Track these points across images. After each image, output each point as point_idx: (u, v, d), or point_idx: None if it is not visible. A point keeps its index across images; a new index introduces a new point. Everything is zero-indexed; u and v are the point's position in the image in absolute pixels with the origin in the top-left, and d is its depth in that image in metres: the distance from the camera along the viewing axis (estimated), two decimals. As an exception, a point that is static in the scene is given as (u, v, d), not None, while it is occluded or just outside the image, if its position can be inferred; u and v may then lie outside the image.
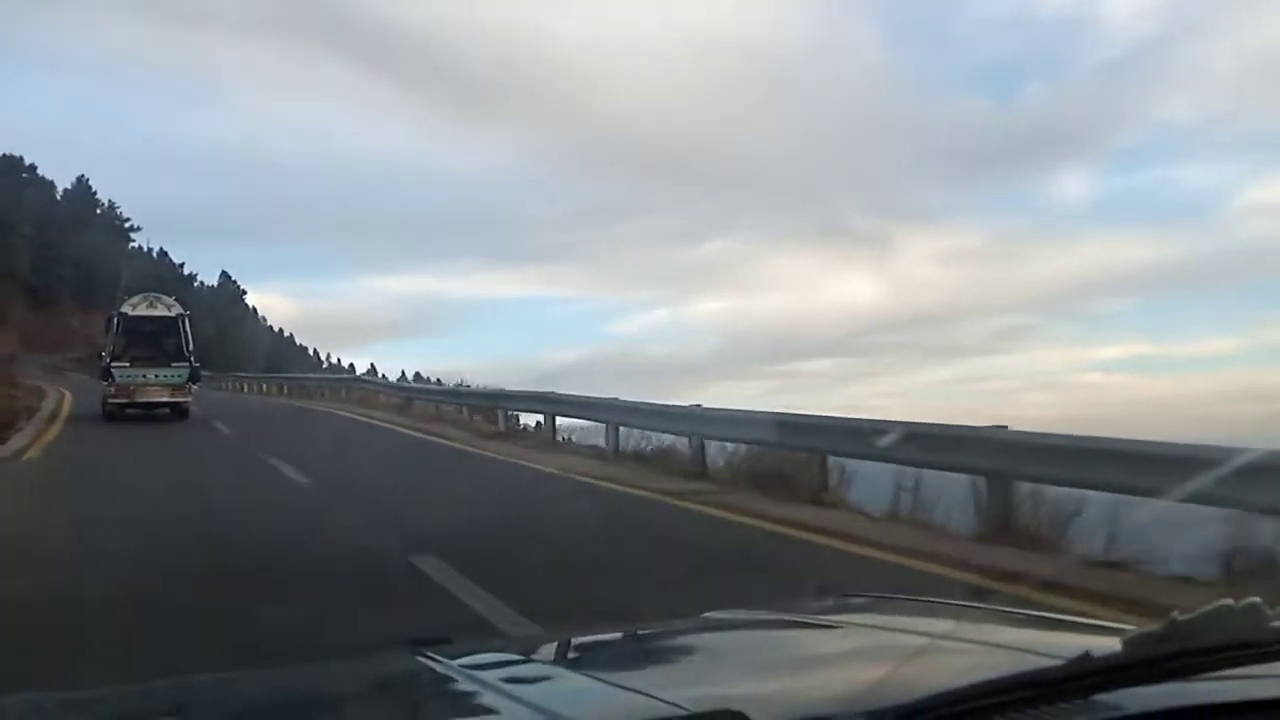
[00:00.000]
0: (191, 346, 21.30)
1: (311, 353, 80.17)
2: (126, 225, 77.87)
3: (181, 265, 79.29)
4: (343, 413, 24.42)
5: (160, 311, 21.75)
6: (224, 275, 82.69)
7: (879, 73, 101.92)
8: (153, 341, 21.09)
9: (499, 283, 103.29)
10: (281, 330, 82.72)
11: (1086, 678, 0.99)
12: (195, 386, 21.47)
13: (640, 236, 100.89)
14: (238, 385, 41.13)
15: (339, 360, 77.09)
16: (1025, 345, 74.67)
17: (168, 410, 20.50)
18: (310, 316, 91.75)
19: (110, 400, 20.42)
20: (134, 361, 20.66)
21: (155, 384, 20.53)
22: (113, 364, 20.50)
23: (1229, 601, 1.04)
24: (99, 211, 76.39)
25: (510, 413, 18.02)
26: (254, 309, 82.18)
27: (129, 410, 20.18)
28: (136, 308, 21.74)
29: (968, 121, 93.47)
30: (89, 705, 1.42)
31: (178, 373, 20.82)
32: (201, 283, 78.59)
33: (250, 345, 69.41)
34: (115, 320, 21.54)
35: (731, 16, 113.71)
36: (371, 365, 73.82)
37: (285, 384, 36.67)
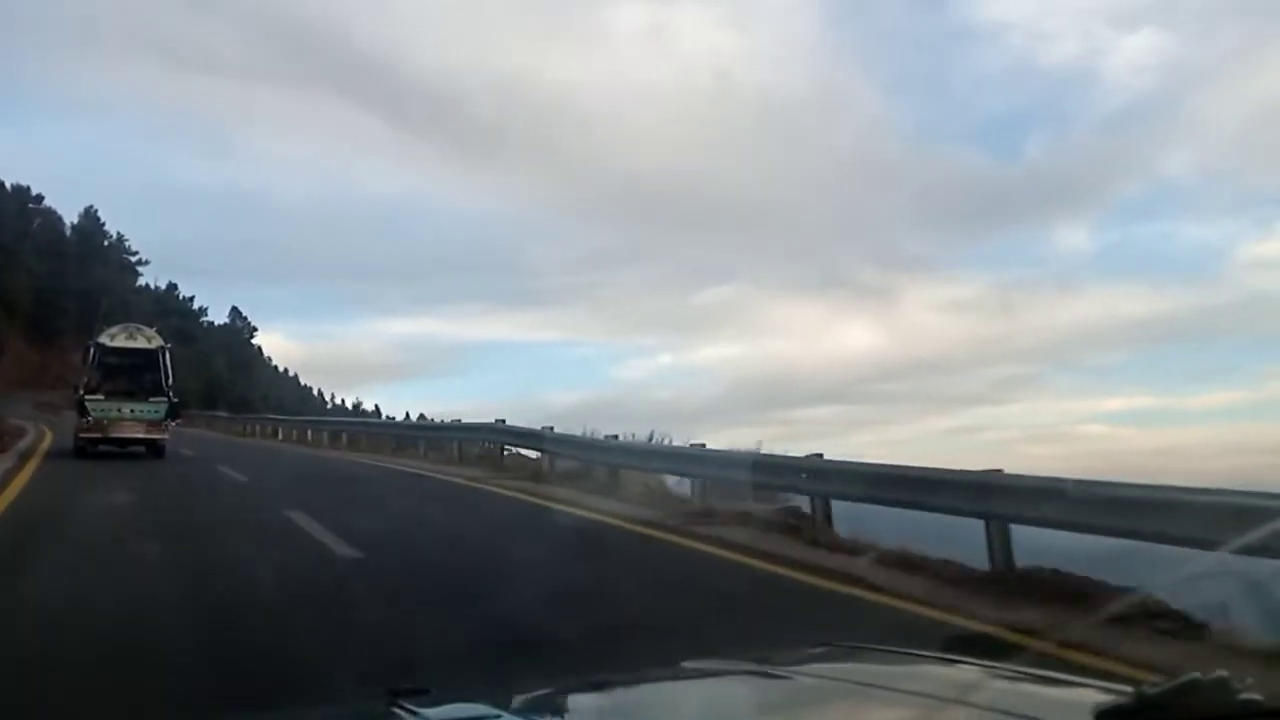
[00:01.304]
0: (171, 381, 20.03)
1: (316, 393, 79.73)
2: (135, 260, 76.73)
3: (191, 299, 78.69)
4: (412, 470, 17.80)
5: (140, 343, 20.44)
6: (234, 312, 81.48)
7: (881, 124, 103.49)
8: (130, 375, 19.96)
9: (502, 325, 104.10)
10: (286, 370, 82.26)
11: None
12: (173, 423, 20.28)
13: (643, 282, 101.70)
14: (260, 428, 36.43)
15: (343, 401, 76.93)
16: (1026, 395, 74.83)
17: (142, 448, 19.19)
18: (314, 357, 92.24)
19: (81, 435, 18.99)
20: (109, 395, 19.41)
21: (131, 419, 19.20)
22: (87, 397, 19.17)
23: (1197, 675, 1.05)
24: (106, 244, 75.46)
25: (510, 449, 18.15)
26: (259, 348, 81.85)
27: (101, 446, 18.80)
28: (115, 338, 20.40)
29: (969, 173, 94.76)
30: None
31: (155, 408, 19.50)
32: (211, 321, 78.12)
33: (262, 385, 68.87)
34: (92, 351, 20.35)
35: (736, 66, 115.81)
36: (376, 407, 73.93)
37: (312, 429, 31.55)
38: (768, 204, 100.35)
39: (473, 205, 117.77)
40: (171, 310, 71.36)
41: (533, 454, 16.58)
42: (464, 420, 20.05)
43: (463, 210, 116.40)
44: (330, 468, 18.92)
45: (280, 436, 32.78)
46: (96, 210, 75.37)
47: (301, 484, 14.68)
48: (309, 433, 30.45)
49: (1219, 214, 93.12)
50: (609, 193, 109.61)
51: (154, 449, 19.29)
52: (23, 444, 20.10)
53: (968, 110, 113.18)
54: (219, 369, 66.60)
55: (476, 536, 9.83)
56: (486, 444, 18.38)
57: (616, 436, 13.94)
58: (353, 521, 9.46)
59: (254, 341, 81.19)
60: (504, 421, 17.68)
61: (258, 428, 36.46)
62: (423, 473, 16.86)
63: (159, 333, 21.22)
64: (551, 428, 15.63)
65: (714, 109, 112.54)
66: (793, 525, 9.28)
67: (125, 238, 77.25)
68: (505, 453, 17.64)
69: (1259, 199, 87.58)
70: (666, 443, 13.82)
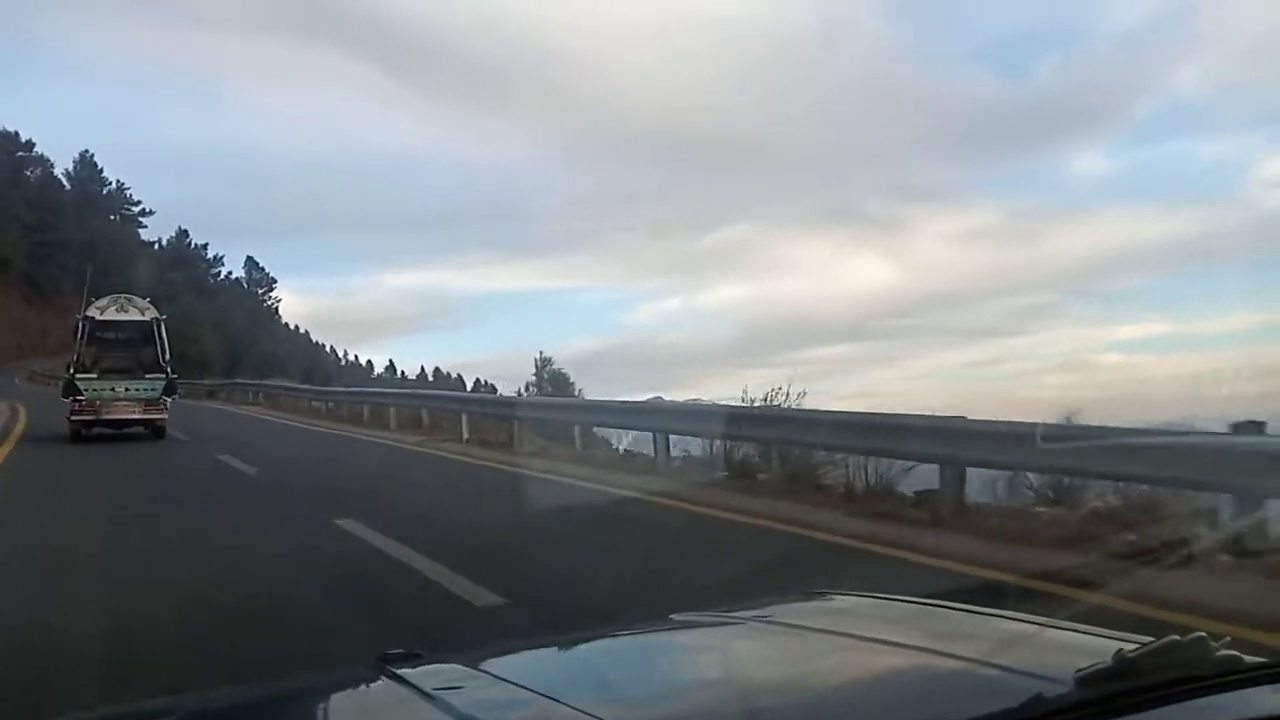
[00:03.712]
0: (168, 355, 18.80)
1: (329, 350, 75.43)
2: (138, 210, 70.08)
3: (205, 246, 71.97)
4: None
5: (133, 315, 19.09)
6: (250, 263, 74.68)
7: (887, 52, 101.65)
8: (124, 349, 18.98)
9: (510, 275, 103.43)
10: (297, 327, 77.59)
11: None
12: (172, 400, 18.89)
13: (650, 225, 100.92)
14: (252, 396, 32.81)
15: (356, 357, 74.77)
16: (1043, 325, 74.34)
17: (141, 429, 18.13)
18: (323, 313, 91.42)
19: (74, 417, 17.63)
20: (102, 373, 18.29)
21: (126, 399, 18.06)
22: (78, 376, 17.98)
23: (1175, 637, 1.06)
24: (105, 193, 68.76)
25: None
26: (277, 304, 77.02)
27: (96, 429, 17.68)
28: (105, 311, 18.99)
29: (979, 99, 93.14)
30: None
31: (152, 385, 18.28)
32: (228, 272, 72.97)
33: (282, 344, 63.60)
34: (81, 326, 18.92)
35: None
36: (390, 362, 72.67)
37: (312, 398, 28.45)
38: (774, 140, 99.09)
39: (475, 154, 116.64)
40: (184, 261, 67.32)
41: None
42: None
43: (465, 159, 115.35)
44: (340, 449, 16.99)
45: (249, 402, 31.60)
46: (93, 155, 68.49)
47: (331, 478, 12.38)
48: (309, 402, 28.15)
49: (1234, 131, 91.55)
50: (612, 135, 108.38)
51: (153, 429, 18.23)
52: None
53: (976, 33, 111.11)
54: (239, 327, 62.43)
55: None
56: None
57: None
58: (423, 529, 7.51)
59: (274, 294, 76.21)
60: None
61: (257, 395, 32.86)
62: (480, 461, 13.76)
63: (153, 303, 20.03)
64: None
65: (715, 45, 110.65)
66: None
67: (126, 186, 70.69)
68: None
69: (1275, 115, 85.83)
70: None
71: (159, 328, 19.00)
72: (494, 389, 29.23)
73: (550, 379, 34.55)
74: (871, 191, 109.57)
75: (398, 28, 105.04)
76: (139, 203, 70.74)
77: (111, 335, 19.06)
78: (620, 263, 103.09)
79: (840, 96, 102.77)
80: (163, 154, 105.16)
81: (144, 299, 19.99)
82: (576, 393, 30.12)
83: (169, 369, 18.67)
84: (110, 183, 70.18)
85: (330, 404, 25.93)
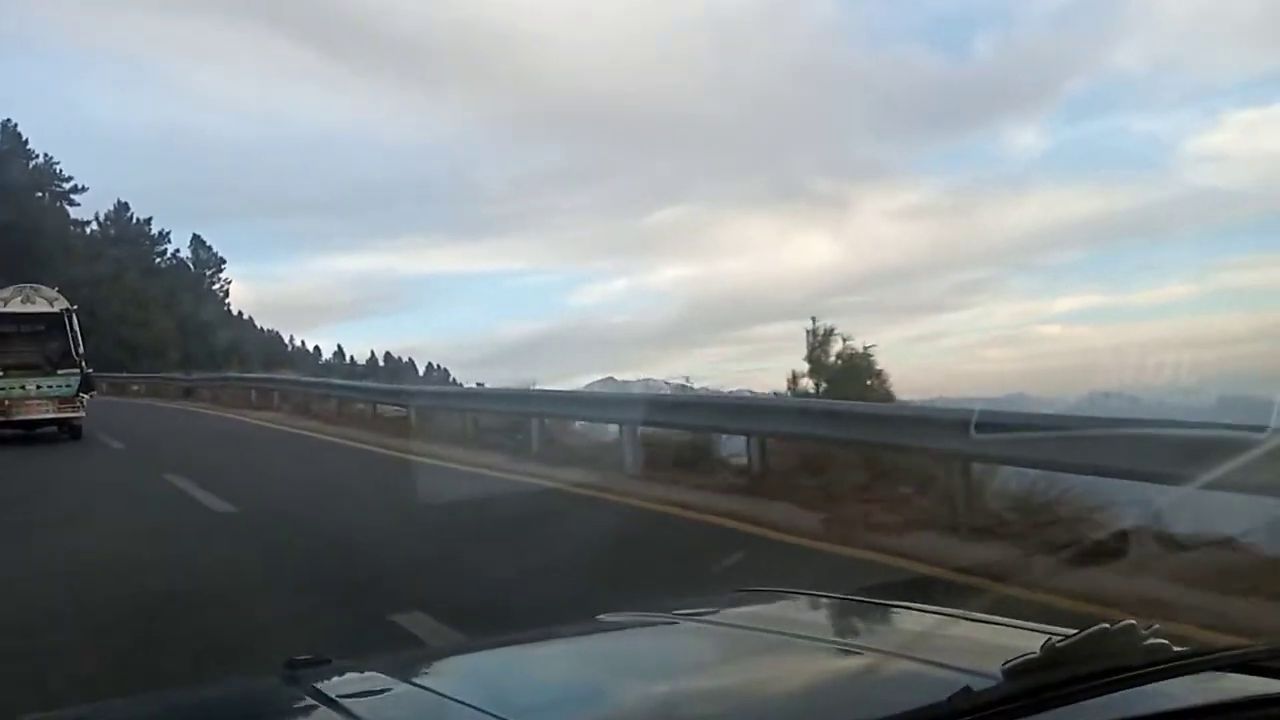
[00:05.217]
0: (81, 349, 17.47)
1: (273, 335, 71.15)
2: (70, 186, 63.30)
3: (149, 221, 65.81)
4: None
5: (39, 307, 17.55)
6: (196, 241, 68.62)
7: (829, 30, 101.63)
8: (32, 344, 17.52)
9: (455, 257, 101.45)
10: (240, 313, 71.74)
11: (967, 715, 0.97)
12: (88, 397, 17.52)
13: (593, 205, 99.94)
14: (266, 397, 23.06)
15: (303, 343, 72.58)
16: (983, 299, 75.71)
17: (55, 429, 16.88)
18: (265, 299, 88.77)
19: None
20: (8, 371, 16.84)
21: (38, 397, 16.75)
22: None
23: (1105, 625, 1.03)
24: (32, 167, 61.96)
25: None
26: (226, 286, 71.07)
27: (6, 430, 16.42)
28: (9, 303, 17.40)
29: (920, 77, 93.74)
30: None
31: (66, 381, 16.94)
32: (176, 250, 67.69)
33: (232, 333, 58.38)
34: None
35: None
36: (339, 347, 70.58)
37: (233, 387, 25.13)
38: (717, 118, 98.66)
39: (414, 135, 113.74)
40: (125, 238, 62.52)
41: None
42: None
43: (403, 140, 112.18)
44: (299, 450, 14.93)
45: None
46: (16, 125, 61.33)
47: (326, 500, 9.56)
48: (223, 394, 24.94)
49: (1168, 107, 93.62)
50: (554, 116, 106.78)
51: (68, 429, 16.98)
52: None
53: (917, 10, 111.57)
54: (189, 310, 58.00)
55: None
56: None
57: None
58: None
59: (223, 276, 70.32)
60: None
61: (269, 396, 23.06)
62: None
63: (61, 292, 18.34)
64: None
65: (657, 22, 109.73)
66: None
67: (55, 160, 63.34)
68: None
69: (1207, 90, 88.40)
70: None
71: (71, 319, 17.64)
72: (447, 373, 28.63)
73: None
74: (814, 170, 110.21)
75: (335, 5, 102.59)
76: (70, 178, 64.39)
77: (16, 329, 17.59)
78: (565, 244, 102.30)
79: (783, 75, 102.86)
80: (80, 136, 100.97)
81: (52, 288, 18.52)
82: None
83: (83, 363, 17.41)
84: (37, 155, 65.54)
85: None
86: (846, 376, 10.35)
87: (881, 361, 10.75)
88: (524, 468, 10.68)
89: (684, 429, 10.21)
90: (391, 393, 18.61)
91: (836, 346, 10.68)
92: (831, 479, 8.00)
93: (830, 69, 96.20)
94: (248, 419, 20.47)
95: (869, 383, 10.46)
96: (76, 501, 10.04)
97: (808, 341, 10.74)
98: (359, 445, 14.42)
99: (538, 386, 13.44)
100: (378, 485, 10.56)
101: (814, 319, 10.96)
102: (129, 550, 7.03)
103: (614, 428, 10.94)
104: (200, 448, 15.04)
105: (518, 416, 13.00)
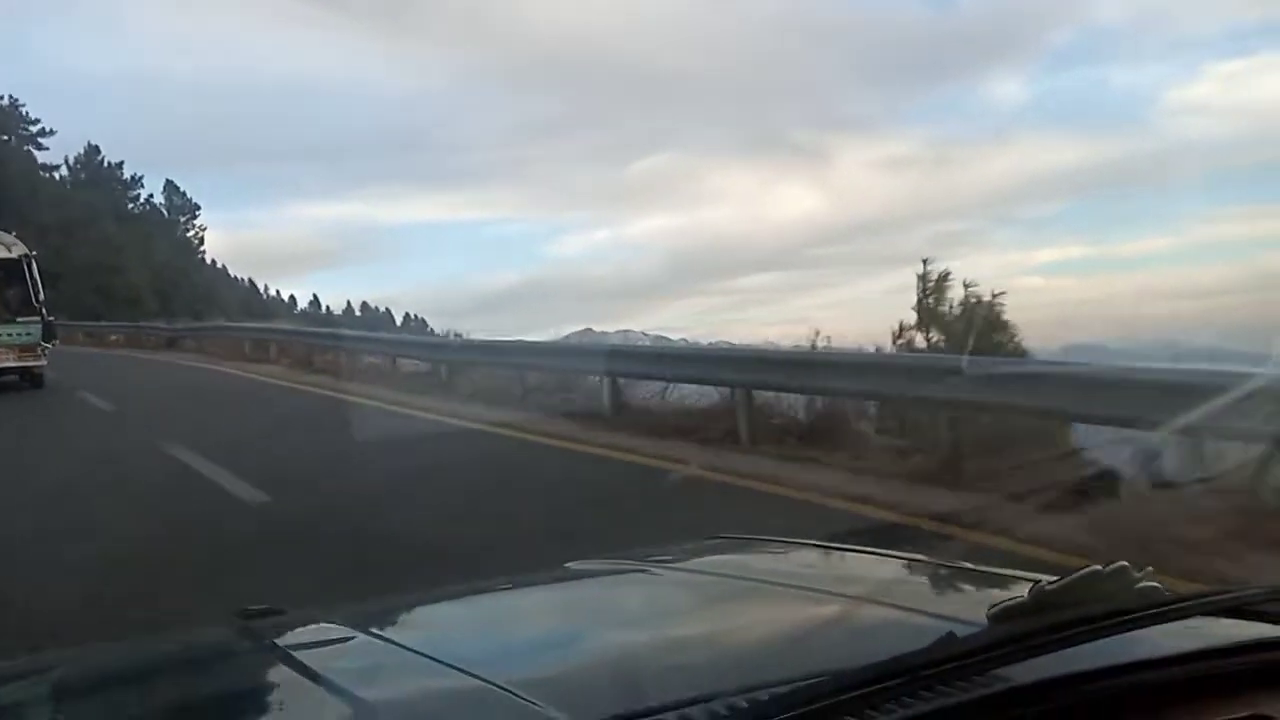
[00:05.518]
0: (42, 296, 17.00)
1: (247, 284, 68.92)
2: (37, 129, 60.59)
3: (120, 165, 63.52)
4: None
5: None
6: (170, 187, 66.59)
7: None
8: None
9: (432, 206, 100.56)
10: (214, 261, 69.72)
11: (950, 662, 0.91)
12: (50, 346, 16.99)
13: (574, 155, 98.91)
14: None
15: (278, 293, 71.36)
16: (965, 251, 76.05)
17: (16, 378, 16.42)
18: (239, 247, 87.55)
19: None
20: None
21: None
22: None
23: (1097, 568, 0.98)
24: None
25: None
26: (201, 234, 68.84)
27: None
28: None
29: (903, 27, 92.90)
30: None
31: (26, 329, 16.50)
32: (149, 195, 65.64)
33: (208, 282, 58.19)
34: None
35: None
36: (315, 297, 69.64)
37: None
38: (699, 69, 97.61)
39: (392, 82, 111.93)
40: (97, 181, 60.39)
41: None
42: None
43: (381, 87, 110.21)
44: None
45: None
46: None
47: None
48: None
49: (1149, 59, 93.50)
50: (532, 63, 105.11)
51: (29, 378, 16.50)
52: None
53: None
54: (164, 258, 56.42)
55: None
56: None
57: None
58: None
59: (197, 223, 68.00)
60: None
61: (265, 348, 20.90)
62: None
63: (19, 239, 17.81)
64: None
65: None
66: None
67: (21, 102, 60.40)
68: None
69: (1188, 42, 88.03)
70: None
71: (30, 265, 17.08)
72: (424, 323, 28.22)
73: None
74: (797, 121, 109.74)
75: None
76: (37, 120, 61.80)
77: None
78: (545, 194, 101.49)
79: (764, 25, 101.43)
80: (46, 81, 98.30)
81: (10, 233, 17.93)
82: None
83: (44, 310, 16.95)
84: (1, 97, 64.50)
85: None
86: (969, 329, 8.34)
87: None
88: (604, 438, 8.59)
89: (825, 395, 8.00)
90: (421, 345, 16.90)
91: (955, 293, 8.87)
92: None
93: (812, 19, 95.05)
94: (248, 373, 18.01)
95: (996, 338, 8.49)
96: (63, 486, 7.65)
97: (918, 288, 8.97)
98: (407, 410, 11.20)
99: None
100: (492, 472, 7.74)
101: (925, 261, 9.16)
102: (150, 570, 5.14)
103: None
104: (207, 411, 12.82)
105: (577, 374, 11.20)
